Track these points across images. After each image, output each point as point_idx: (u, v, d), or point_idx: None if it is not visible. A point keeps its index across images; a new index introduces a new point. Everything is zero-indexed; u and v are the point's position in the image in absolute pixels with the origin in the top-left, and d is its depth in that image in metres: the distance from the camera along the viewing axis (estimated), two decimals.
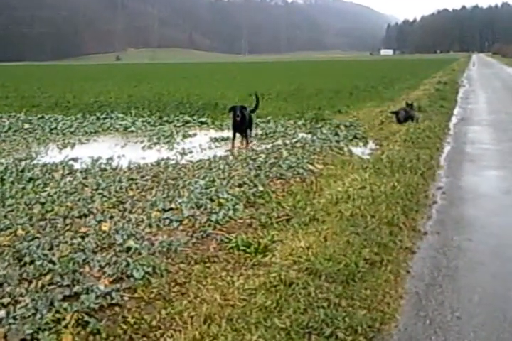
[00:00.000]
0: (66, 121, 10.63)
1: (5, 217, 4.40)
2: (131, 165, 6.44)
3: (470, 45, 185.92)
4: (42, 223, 4.25)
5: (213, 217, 4.34)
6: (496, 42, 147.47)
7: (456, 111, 12.72)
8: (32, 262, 3.45)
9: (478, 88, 20.69)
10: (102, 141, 8.77)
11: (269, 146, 7.67)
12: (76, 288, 3.09)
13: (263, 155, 6.85)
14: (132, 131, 9.56)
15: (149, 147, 8.04)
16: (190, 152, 7.47)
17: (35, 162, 6.76)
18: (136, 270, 3.32)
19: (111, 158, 6.90)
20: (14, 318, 2.78)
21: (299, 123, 9.91)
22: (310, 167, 6.22)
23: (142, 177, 5.79)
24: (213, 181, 5.48)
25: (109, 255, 3.58)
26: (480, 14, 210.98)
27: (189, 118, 10.67)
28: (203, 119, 10.59)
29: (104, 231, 4.02)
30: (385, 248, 3.73)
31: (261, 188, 5.18)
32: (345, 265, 3.34)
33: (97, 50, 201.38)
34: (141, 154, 7.39)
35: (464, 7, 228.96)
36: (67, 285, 3.14)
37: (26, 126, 10.06)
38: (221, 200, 4.76)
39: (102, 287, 3.12)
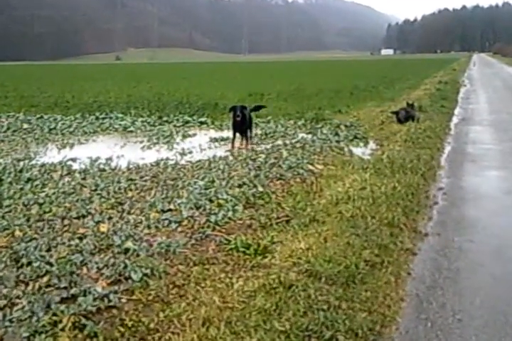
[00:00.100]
0: (65, 121, 10.59)
1: (2, 217, 4.38)
2: (131, 166, 6.41)
3: (471, 45, 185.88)
4: (40, 224, 4.22)
5: (212, 218, 4.31)
6: (497, 42, 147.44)
7: (457, 111, 12.70)
8: (29, 264, 3.43)
9: (479, 88, 20.68)
10: (101, 141, 8.74)
11: (269, 146, 7.64)
12: (73, 290, 3.06)
13: (263, 156, 6.82)
14: (131, 131, 9.52)
15: (149, 147, 8.01)
16: (190, 152, 7.44)
17: (33, 162, 6.73)
18: (134, 272, 3.29)
19: (110, 159, 6.87)
20: (10, 321, 2.76)
21: (299, 123, 9.88)
22: (310, 167, 6.19)
23: (141, 177, 5.76)
24: (213, 182, 5.45)
25: (107, 256, 3.55)
26: (481, 14, 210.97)
27: (189, 118, 10.64)
28: (202, 119, 10.56)
29: (103, 233, 3.99)
30: (386, 249, 3.70)
31: (261, 189, 5.15)
32: (345, 267, 3.32)
33: (96, 50, 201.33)
34: (141, 154, 7.36)
35: (464, 7, 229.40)
36: (65, 288, 3.11)
37: (25, 126, 10.03)
38: (220, 201, 4.73)
39: (99, 289, 3.09)
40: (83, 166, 6.44)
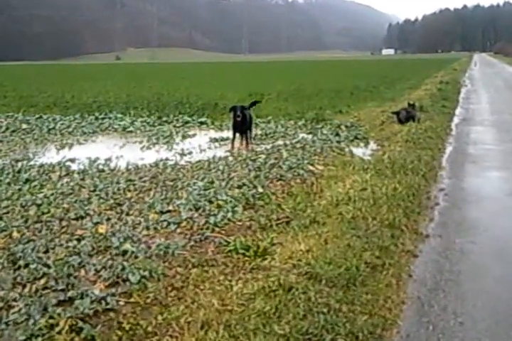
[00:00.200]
0: (64, 121, 10.57)
1: (0, 218, 4.36)
2: (130, 166, 6.38)
3: (472, 45, 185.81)
4: (38, 225, 4.20)
5: (212, 220, 4.28)
6: (498, 42, 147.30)
7: (458, 111, 12.67)
8: (26, 265, 3.41)
9: (480, 88, 20.65)
10: (101, 142, 8.71)
11: (269, 147, 7.61)
12: (71, 293, 3.04)
13: (263, 156, 6.79)
14: (131, 132, 9.49)
15: (148, 147, 7.98)
16: (190, 153, 7.41)
17: (32, 163, 6.71)
18: (132, 274, 3.27)
19: (109, 159, 6.84)
20: (7, 324, 2.74)
21: (300, 123, 9.85)
22: (310, 168, 6.16)
23: (140, 178, 5.73)
24: (212, 182, 5.42)
25: (105, 258, 3.53)
26: (481, 13, 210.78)
27: (188, 119, 10.61)
28: (202, 119, 10.53)
29: (101, 234, 3.97)
30: (387, 251, 3.68)
31: (260, 190, 5.13)
32: (345, 269, 3.30)
33: (96, 50, 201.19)
34: (140, 155, 7.33)
35: (465, 6, 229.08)
36: (62, 290, 3.10)
37: (24, 126, 10.01)
38: (220, 202, 4.71)
39: (97, 292, 3.06)
40: (82, 167, 6.42)
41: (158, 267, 3.37)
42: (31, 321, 2.74)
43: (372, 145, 7.99)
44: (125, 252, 3.61)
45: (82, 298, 2.99)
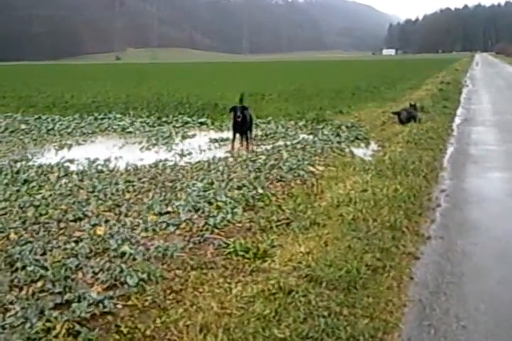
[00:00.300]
0: (63, 121, 10.55)
1: None
2: (129, 167, 6.36)
3: (473, 45, 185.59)
4: (35, 227, 4.18)
5: (211, 221, 4.25)
6: (499, 42, 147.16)
7: (459, 111, 12.64)
8: (24, 268, 3.38)
9: (481, 88, 20.62)
10: (100, 142, 8.69)
11: (269, 147, 7.58)
12: (68, 296, 3.02)
13: (263, 157, 6.76)
14: (130, 132, 9.45)
15: (147, 148, 7.96)
16: (189, 153, 7.38)
17: (30, 163, 6.69)
18: (130, 276, 3.24)
19: (108, 160, 6.83)
20: (3, 327, 2.72)
21: (300, 124, 9.82)
22: (311, 169, 6.13)
23: (139, 179, 5.70)
24: (212, 183, 5.39)
25: (103, 261, 3.51)
26: (483, 13, 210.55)
27: (188, 119, 10.58)
28: (202, 120, 10.50)
29: (99, 236, 3.94)
30: (388, 253, 3.66)
31: (260, 191, 5.10)
32: (346, 271, 3.28)
33: (96, 50, 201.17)
34: (139, 155, 7.30)
35: (466, 6, 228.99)
36: (59, 293, 3.08)
37: (23, 126, 9.99)
38: (219, 203, 4.68)
39: (94, 294, 3.04)
40: (81, 167, 6.40)
41: (156, 269, 3.34)
42: (28, 324, 2.72)
43: (373, 145, 7.96)
44: (123, 254, 3.58)
45: (79, 301, 2.96)
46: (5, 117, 11.30)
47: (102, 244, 3.77)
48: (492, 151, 7.77)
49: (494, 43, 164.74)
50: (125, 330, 2.71)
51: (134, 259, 3.51)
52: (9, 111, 12.23)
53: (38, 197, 4.95)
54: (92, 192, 5.16)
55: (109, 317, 2.84)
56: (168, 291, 3.12)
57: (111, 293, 3.06)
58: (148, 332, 2.69)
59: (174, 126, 9.94)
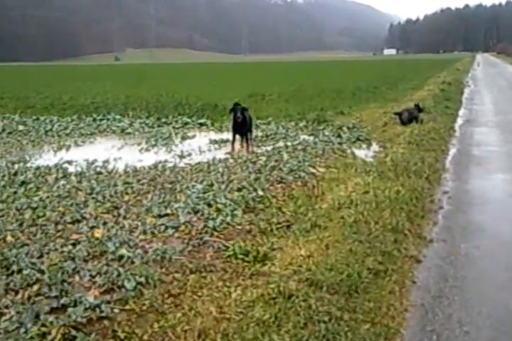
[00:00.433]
0: (62, 122, 10.51)
1: None
2: (128, 169, 6.31)
3: (474, 45, 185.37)
4: (32, 229, 4.14)
5: (210, 223, 4.21)
6: (501, 42, 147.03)
7: (461, 112, 12.60)
8: (20, 271, 3.34)
9: (483, 88, 20.58)
10: (99, 143, 8.64)
11: (269, 149, 7.54)
12: (64, 300, 2.98)
13: (263, 158, 6.71)
14: (129, 133, 9.40)
15: (147, 149, 7.91)
16: (189, 154, 7.34)
17: (28, 165, 6.65)
18: (127, 280, 3.20)
19: (107, 161, 6.78)
20: None
21: (301, 124, 9.77)
22: (312, 170, 6.08)
23: (138, 180, 5.66)
24: (211, 185, 5.34)
25: (101, 264, 3.46)
26: (484, 13, 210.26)
27: (188, 120, 10.53)
28: (202, 121, 10.45)
29: (97, 238, 3.90)
30: (390, 256, 3.62)
31: (261, 193, 5.05)
32: (347, 275, 3.24)
33: (95, 50, 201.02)
34: (138, 157, 7.26)
35: (467, 6, 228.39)
36: (55, 297, 3.04)
37: (21, 127, 9.94)
38: (219, 205, 4.63)
39: (91, 299, 2.99)
40: (79, 169, 6.36)
41: (154, 273, 3.30)
42: (23, 329, 2.68)
43: (375, 146, 7.92)
44: (121, 257, 3.54)
45: (75, 305, 2.92)
46: (2, 118, 11.26)
47: (100, 247, 3.72)
48: (495, 152, 7.72)
49: (495, 43, 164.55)
50: (122, 335, 2.66)
51: (132, 262, 3.46)
52: (7, 112, 12.17)
53: (36, 199, 4.91)
54: (91, 193, 5.11)
55: (106, 322, 2.80)
56: (167, 295, 3.07)
57: (108, 297, 3.02)
58: (145, 337, 2.65)
59: (174, 127, 9.89)
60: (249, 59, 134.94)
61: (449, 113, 11.72)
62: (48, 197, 4.97)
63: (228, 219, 4.31)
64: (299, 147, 7.50)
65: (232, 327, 2.71)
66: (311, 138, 8.41)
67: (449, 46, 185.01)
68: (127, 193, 5.13)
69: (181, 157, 7.16)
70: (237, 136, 7.77)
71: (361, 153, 7.37)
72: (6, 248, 3.73)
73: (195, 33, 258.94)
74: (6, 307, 2.90)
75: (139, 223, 4.22)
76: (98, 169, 6.32)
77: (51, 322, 2.72)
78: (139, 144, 8.29)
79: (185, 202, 4.71)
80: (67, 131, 9.51)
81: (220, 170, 6.08)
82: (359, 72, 34.71)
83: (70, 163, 6.73)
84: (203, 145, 8.10)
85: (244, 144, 7.73)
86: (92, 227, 4.14)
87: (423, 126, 9.24)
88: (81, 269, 3.36)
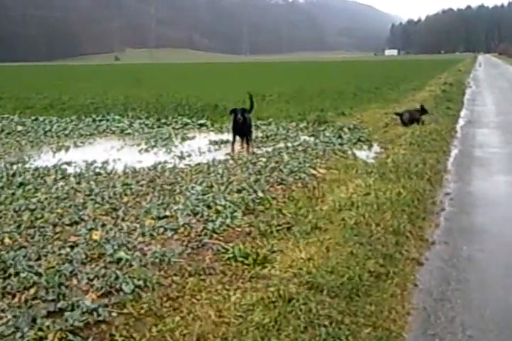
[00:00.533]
0: (61, 123, 10.46)
1: None
2: (127, 170, 6.27)
3: (475, 46, 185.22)
4: (30, 231, 4.10)
5: (210, 226, 4.16)
6: (502, 43, 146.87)
7: (463, 113, 12.55)
8: (17, 274, 3.31)
9: (485, 89, 20.53)
10: (98, 144, 8.58)
11: (270, 150, 7.50)
12: (61, 304, 2.95)
13: (263, 159, 6.67)
14: (129, 134, 9.34)
15: (146, 150, 7.85)
16: (189, 155, 7.29)
17: (27, 166, 6.60)
18: (125, 283, 3.17)
19: (106, 162, 6.74)
20: None
21: (301, 125, 9.73)
22: (312, 171, 6.04)
23: (137, 182, 5.61)
24: (211, 186, 5.30)
25: (99, 267, 3.42)
26: (486, 13, 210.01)
27: (188, 121, 10.48)
28: (202, 121, 10.40)
29: (95, 241, 3.86)
30: (391, 259, 3.58)
31: (261, 194, 5.01)
32: (348, 278, 3.20)
33: (95, 50, 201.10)
34: (138, 157, 7.20)
35: (469, 6, 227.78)
36: (52, 300, 3.00)
37: (19, 128, 9.89)
38: (218, 207, 4.59)
39: (88, 302, 2.95)
40: (78, 170, 6.31)
41: (153, 276, 3.27)
42: (19, 334, 2.64)
43: (376, 147, 7.87)
44: (119, 260, 3.50)
45: (72, 309, 2.89)
46: (1, 119, 11.20)
47: (98, 250, 3.68)
48: (497, 154, 7.67)
49: (497, 44, 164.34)
50: (120, 339, 2.63)
51: (131, 265, 3.42)
52: (6, 113, 12.10)
53: (34, 200, 4.87)
54: (89, 195, 5.07)
55: (104, 326, 2.76)
56: (165, 298, 3.03)
57: (106, 300, 2.98)
58: None
59: (173, 128, 9.84)
60: (250, 59, 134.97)
61: (450, 114, 11.67)
62: (46, 198, 4.92)
63: (228, 221, 4.27)
64: (300, 148, 7.46)
65: (231, 331, 2.68)
66: (312, 139, 8.37)
67: (450, 47, 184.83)
68: (126, 195, 5.09)
69: (181, 158, 7.11)
70: (237, 137, 7.73)
71: (362, 154, 7.32)
72: (3, 250, 3.68)
73: (195, 33, 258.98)
74: (3, 310, 2.87)
75: (138, 225, 4.18)
76: (97, 170, 6.27)
77: (48, 327, 2.69)
78: (138, 145, 8.25)
79: (184, 204, 4.67)
80: (67, 132, 9.46)
81: (220, 171, 6.04)
82: (360, 72, 34.67)
83: (69, 164, 6.68)
84: (202, 146, 8.05)
85: (245, 145, 7.70)
86: (91, 229, 4.09)
87: (424, 127, 9.19)
88: (79, 272, 3.32)
